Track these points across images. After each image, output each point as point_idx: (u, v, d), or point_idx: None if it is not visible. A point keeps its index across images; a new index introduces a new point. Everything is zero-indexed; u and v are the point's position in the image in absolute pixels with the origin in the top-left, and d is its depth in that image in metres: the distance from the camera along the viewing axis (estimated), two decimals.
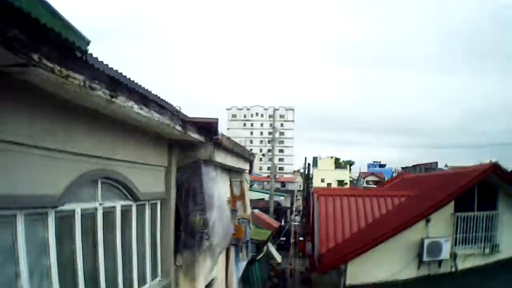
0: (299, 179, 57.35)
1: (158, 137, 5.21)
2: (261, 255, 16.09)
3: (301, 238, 41.02)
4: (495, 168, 11.90)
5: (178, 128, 4.73)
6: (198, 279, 6.35)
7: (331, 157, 75.25)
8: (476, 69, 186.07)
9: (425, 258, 10.95)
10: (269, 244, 25.23)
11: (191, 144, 5.98)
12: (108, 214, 4.29)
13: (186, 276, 6.25)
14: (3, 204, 2.68)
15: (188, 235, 6.13)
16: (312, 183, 40.88)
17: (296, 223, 43.85)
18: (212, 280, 7.70)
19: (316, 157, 59.74)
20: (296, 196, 53.23)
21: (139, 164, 4.89)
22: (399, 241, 11.07)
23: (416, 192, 13.39)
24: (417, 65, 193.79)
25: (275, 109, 30.99)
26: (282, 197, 47.16)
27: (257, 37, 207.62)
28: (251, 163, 10.52)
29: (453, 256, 11.53)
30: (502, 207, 12.30)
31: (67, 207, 3.44)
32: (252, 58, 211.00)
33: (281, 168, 57.13)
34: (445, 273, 11.58)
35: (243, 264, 10.93)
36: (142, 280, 5.26)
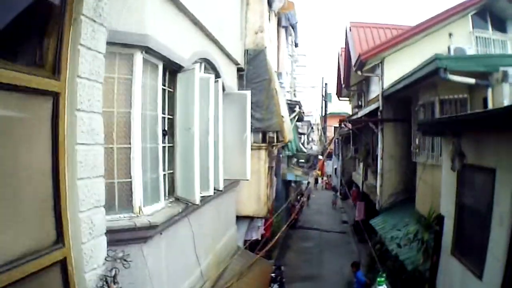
0: (314, 113, 58.68)
1: None
2: (294, 113, 17.41)
3: (320, 157, 42.84)
4: None
5: None
6: None
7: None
8: None
9: None
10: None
11: None
12: None
13: None
14: None
15: None
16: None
17: (315, 150, 46.31)
18: None
19: (330, 93, 60.31)
20: (312, 128, 54.78)
21: None
22: (429, 49, 12.27)
23: None
24: None
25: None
26: (299, 123, 48.39)
27: None
28: None
29: None
30: None
31: None
32: None
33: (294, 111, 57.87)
34: None
35: None
36: None
